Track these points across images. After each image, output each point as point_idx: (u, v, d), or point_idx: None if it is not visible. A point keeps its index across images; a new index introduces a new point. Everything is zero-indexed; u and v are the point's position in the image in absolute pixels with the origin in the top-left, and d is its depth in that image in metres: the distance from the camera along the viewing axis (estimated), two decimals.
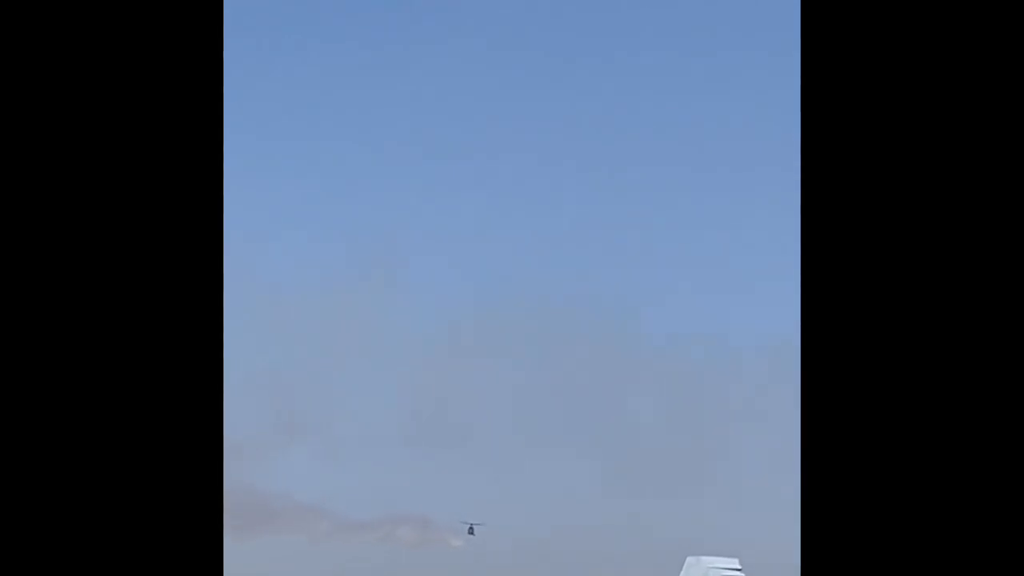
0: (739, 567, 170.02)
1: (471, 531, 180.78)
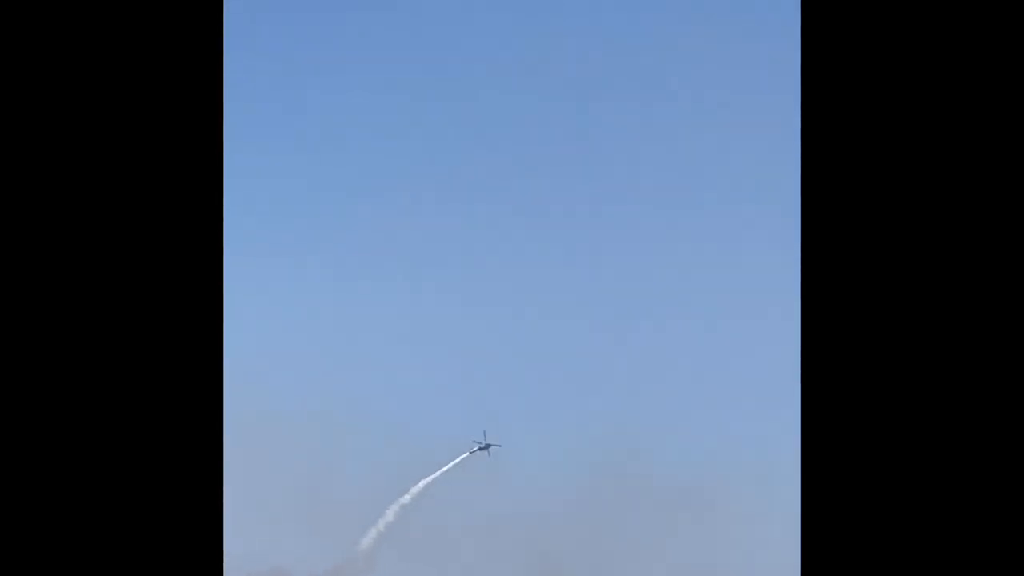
0: None
1: (487, 447, 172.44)
